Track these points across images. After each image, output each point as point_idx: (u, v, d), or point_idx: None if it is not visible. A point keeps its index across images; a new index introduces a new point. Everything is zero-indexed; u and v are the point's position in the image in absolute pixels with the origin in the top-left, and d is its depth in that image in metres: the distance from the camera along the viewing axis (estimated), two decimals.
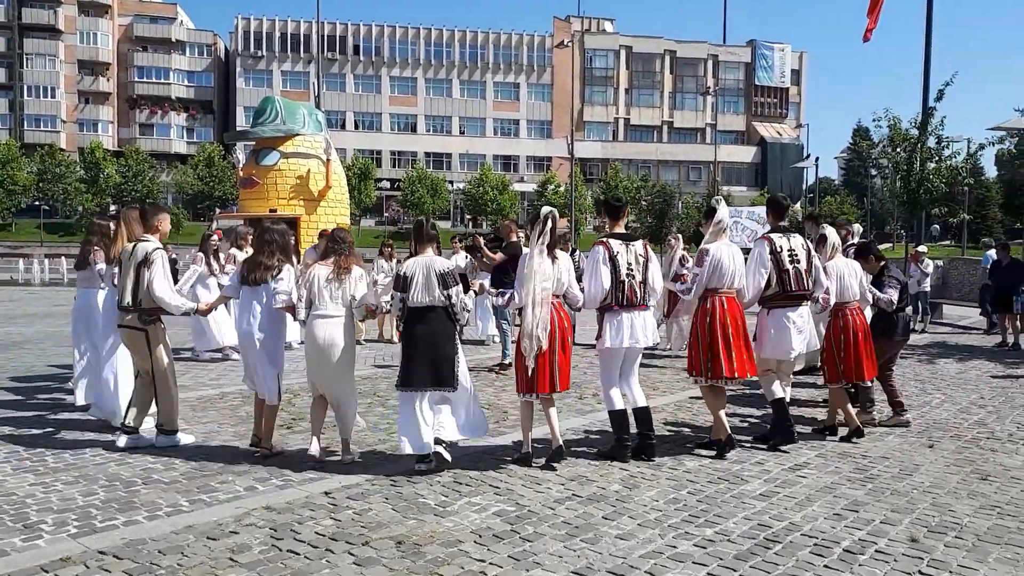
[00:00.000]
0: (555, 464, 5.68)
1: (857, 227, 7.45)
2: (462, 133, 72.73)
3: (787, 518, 4.74)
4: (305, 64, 67.74)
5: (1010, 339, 13.41)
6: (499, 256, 9.49)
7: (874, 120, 17.79)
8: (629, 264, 5.86)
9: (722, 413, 6.18)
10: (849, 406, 6.83)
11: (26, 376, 9.32)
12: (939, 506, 5.03)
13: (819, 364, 7.59)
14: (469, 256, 8.81)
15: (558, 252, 5.74)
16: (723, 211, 6.31)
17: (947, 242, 62.23)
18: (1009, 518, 4.83)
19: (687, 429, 7.09)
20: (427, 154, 70.60)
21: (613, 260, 5.82)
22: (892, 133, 17.23)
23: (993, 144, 16.45)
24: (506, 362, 10.07)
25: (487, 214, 59.23)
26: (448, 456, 5.56)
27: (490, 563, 4.01)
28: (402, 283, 5.53)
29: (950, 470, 5.87)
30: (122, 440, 6.07)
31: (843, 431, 6.82)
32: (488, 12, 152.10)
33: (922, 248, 16.12)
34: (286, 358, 6.40)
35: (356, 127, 71.05)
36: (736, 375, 6.08)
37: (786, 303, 6.44)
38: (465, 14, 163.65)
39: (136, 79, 69.56)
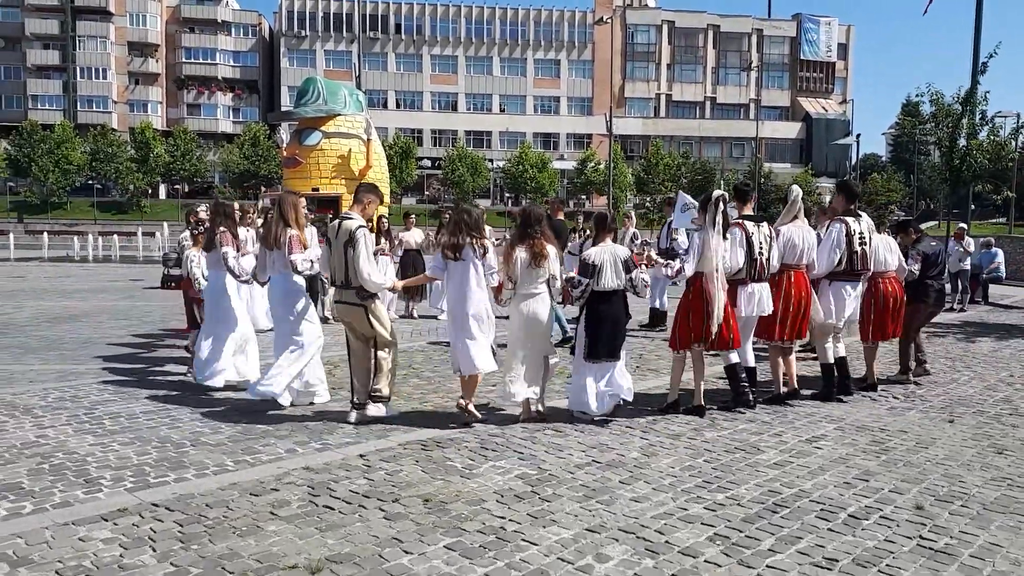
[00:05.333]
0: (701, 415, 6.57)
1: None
2: (502, 111, 72.72)
3: (797, 485, 4.93)
4: (348, 43, 68.32)
5: None
6: None
7: (916, 96, 17.52)
8: (760, 243, 6.70)
9: (779, 368, 7.16)
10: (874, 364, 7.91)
11: (83, 347, 9.86)
12: (950, 477, 5.17)
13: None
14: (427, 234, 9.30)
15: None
16: (796, 193, 7.22)
17: (1000, 220, 60.58)
18: (1018, 489, 4.96)
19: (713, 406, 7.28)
20: (467, 132, 70.76)
21: (749, 240, 6.64)
22: (935, 109, 17.00)
23: None
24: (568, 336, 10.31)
25: (526, 192, 59.30)
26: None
27: (509, 520, 4.29)
28: (590, 270, 6.19)
29: (967, 444, 5.99)
30: (353, 416, 6.26)
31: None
32: None
33: (963, 226, 15.93)
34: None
35: (397, 106, 71.53)
36: (785, 338, 7.02)
37: (848, 278, 7.32)
38: None
39: (183, 60, 70.95)
